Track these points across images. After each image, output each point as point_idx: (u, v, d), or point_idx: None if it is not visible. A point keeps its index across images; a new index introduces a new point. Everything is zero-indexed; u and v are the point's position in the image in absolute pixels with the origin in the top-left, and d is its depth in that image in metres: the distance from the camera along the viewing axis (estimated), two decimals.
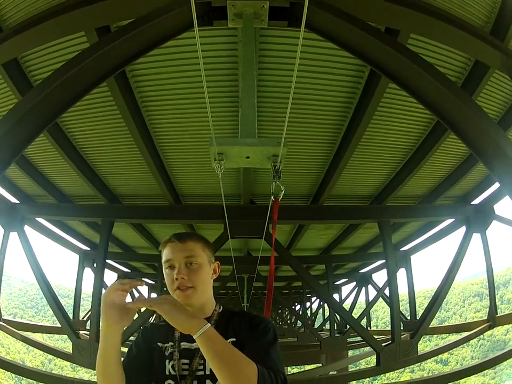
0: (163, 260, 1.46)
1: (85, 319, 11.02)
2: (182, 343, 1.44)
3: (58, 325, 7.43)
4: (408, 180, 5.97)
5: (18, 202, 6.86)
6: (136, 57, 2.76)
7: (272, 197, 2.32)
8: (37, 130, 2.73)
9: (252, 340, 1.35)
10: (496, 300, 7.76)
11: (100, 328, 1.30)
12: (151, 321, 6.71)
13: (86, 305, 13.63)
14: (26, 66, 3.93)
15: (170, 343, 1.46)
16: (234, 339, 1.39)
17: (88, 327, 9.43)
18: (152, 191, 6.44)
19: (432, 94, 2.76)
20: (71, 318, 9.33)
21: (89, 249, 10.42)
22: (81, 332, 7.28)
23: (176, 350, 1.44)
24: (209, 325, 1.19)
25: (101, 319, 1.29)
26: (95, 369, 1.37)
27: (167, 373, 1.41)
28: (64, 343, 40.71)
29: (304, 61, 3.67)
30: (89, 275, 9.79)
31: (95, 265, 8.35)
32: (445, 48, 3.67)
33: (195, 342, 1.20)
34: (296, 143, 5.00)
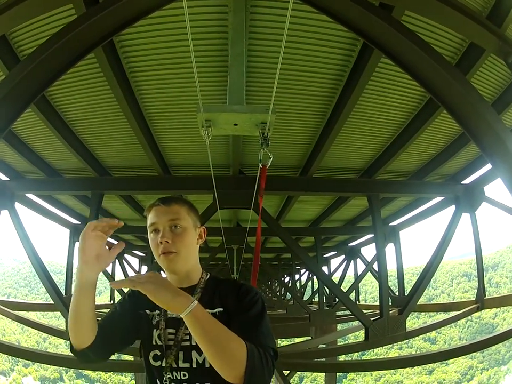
0: (148, 224, 1.43)
1: None
2: (168, 312, 1.40)
3: (52, 302, 7.42)
4: (398, 155, 5.96)
5: (8, 179, 6.79)
6: (122, 28, 2.69)
7: (260, 165, 2.28)
8: (24, 104, 2.69)
9: (239, 312, 1.32)
10: (485, 283, 7.86)
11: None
12: None
13: None
14: (14, 42, 3.81)
15: (157, 311, 1.43)
16: (221, 309, 1.37)
17: None
18: (141, 162, 6.39)
19: (425, 70, 2.74)
20: (64, 294, 9.33)
21: (79, 223, 10.35)
22: None
23: (162, 319, 1.41)
24: (196, 302, 1.15)
25: (78, 260, 1.24)
26: None
27: (154, 343, 1.39)
28: (57, 320, 40.92)
29: (296, 32, 3.61)
30: None
31: None
32: (439, 27, 3.61)
33: None
34: (286, 113, 4.89)
